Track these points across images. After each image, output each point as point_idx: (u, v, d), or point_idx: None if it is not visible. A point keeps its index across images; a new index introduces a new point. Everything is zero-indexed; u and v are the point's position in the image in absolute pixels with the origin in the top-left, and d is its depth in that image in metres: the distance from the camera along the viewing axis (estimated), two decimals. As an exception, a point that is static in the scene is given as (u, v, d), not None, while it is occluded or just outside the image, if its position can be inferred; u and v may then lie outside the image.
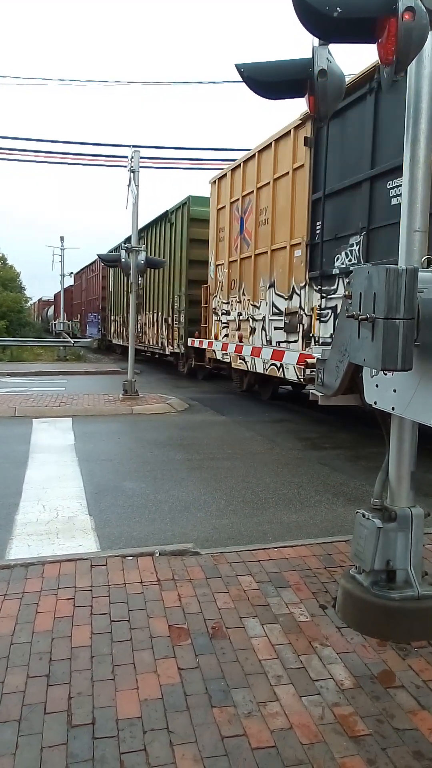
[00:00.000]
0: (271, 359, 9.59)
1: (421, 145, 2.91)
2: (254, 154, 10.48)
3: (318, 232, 8.46)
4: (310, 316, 8.69)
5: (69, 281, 35.67)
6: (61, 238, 33.01)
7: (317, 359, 3.51)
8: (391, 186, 6.86)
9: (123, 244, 12.91)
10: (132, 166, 11.96)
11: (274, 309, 9.89)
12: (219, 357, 12.27)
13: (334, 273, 8.05)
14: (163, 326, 16.92)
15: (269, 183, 9.93)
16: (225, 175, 12.15)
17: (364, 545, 3.07)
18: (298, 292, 9.06)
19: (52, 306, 46.76)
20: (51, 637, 2.92)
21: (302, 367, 8.21)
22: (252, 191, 10.63)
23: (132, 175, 11.97)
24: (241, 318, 11.42)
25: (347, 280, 2.76)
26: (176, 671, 2.68)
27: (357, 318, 2.58)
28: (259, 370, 10.12)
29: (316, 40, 2.93)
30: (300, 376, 8.46)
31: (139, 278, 12.41)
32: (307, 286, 8.77)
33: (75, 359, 23.96)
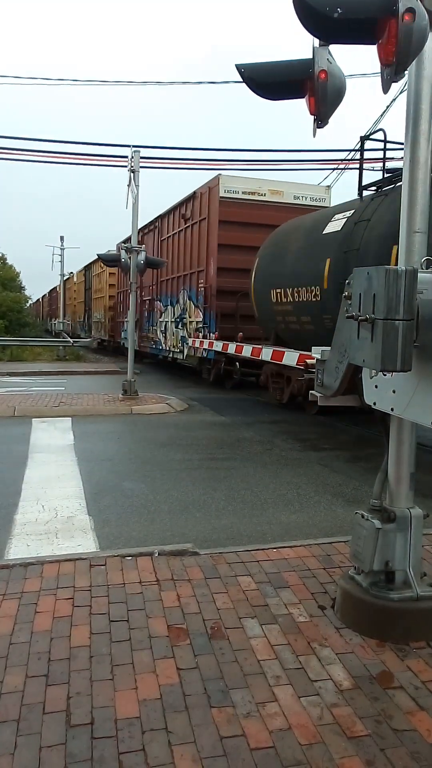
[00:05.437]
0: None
1: (421, 146, 2.91)
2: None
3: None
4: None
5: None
6: (61, 238, 32.90)
7: (317, 360, 3.51)
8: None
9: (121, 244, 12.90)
10: (132, 166, 11.98)
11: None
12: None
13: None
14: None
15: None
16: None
17: (363, 546, 3.07)
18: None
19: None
20: (50, 637, 2.92)
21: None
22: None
23: (132, 175, 11.98)
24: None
25: (347, 280, 2.76)
26: (175, 671, 2.67)
27: (356, 319, 2.58)
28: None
29: (317, 41, 2.93)
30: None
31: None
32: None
33: (74, 359, 23.95)
